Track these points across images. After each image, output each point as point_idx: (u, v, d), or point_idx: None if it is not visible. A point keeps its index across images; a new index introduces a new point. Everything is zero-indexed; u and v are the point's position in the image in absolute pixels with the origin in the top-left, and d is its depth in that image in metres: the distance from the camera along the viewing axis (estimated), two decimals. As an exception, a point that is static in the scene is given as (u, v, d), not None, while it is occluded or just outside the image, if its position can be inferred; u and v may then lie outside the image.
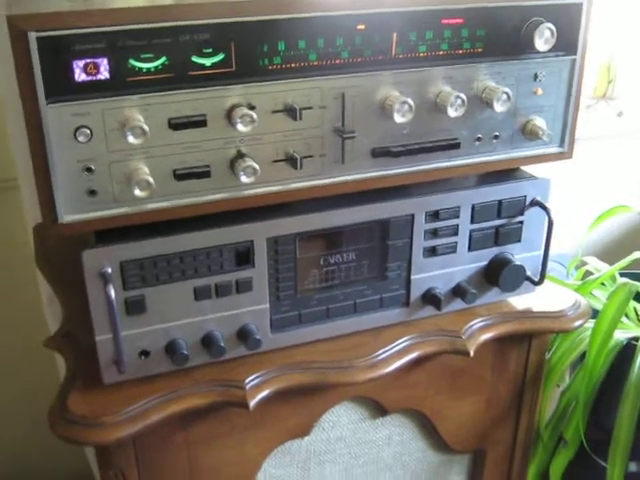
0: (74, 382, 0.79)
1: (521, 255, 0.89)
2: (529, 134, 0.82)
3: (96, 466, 1.41)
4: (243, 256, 0.75)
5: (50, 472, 1.49)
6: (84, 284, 0.73)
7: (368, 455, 0.94)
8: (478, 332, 0.88)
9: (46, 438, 1.42)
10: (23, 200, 1.20)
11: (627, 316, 1.14)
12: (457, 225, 0.85)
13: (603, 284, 1.16)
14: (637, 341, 1.05)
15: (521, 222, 0.88)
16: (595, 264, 1.21)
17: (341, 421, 0.90)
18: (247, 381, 0.78)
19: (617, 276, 1.17)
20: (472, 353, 0.86)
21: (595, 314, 1.00)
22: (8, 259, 1.33)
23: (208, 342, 0.77)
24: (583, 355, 1.06)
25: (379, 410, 0.91)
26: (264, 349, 0.80)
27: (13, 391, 1.42)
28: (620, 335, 1.05)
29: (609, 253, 1.38)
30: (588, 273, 1.21)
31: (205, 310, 0.76)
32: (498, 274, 0.87)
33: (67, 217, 0.67)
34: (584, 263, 1.24)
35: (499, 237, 0.87)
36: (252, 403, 0.77)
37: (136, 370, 0.77)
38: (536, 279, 0.90)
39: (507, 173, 0.88)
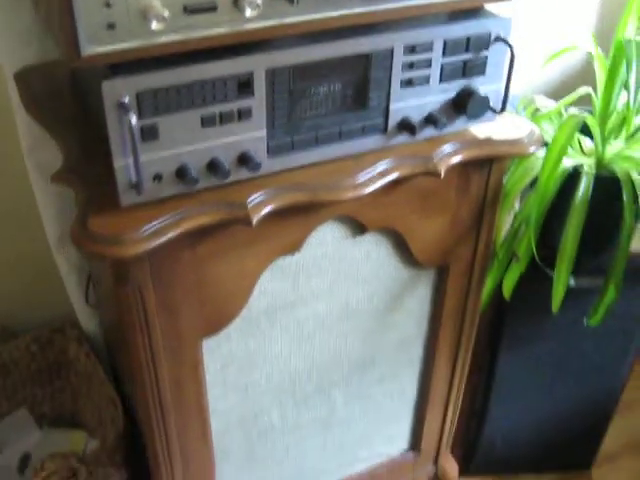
0: (90, 208, 0.89)
1: (485, 87, 1.01)
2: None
3: (86, 315, 1.53)
4: (244, 86, 0.85)
5: (35, 323, 1.60)
6: (97, 115, 0.82)
7: (348, 270, 1.08)
8: (447, 156, 1.00)
9: (33, 293, 1.54)
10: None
11: (571, 147, 1.28)
12: (430, 58, 0.95)
13: (550, 119, 1.29)
14: (581, 168, 1.19)
15: (486, 57, 0.99)
16: (543, 102, 1.34)
17: (326, 239, 1.03)
18: (249, 200, 0.90)
19: (563, 111, 1.30)
20: (443, 174, 0.99)
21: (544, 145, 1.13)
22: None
23: (214, 166, 0.88)
24: (533, 183, 1.21)
25: (359, 228, 1.04)
26: (262, 173, 0.91)
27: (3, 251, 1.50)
28: (566, 162, 1.19)
29: (557, 93, 1.50)
30: (537, 111, 1.33)
31: (210, 137, 0.86)
32: (466, 103, 0.99)
33: (88, 50, 0.75)
34: (532, 102, 1.36)
35: (466, 70, 0.98)
36: (255, 220, 0.89)
37: (150, 193, 0.87)
38: (498, 109, 1.02)
39: (474, 12, 0.98)
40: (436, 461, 1.46)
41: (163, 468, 1.12)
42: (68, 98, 1.15)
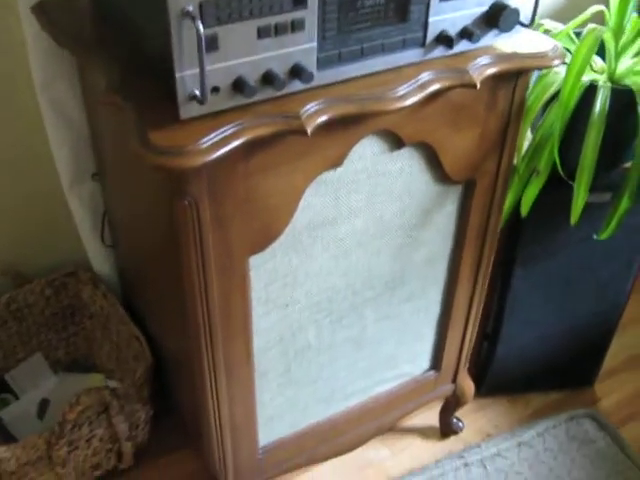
0: (147, 124, 0.91)
1: (515, 0, 1.06)
2: None
3: (100, 257, 1.54)
4: (297, -2, 0.88)
5: (48, 269, 1.62)
6: (141, 32, 0.85)
7: (384, 186, 1.13)
8: (481, 68, 1.05)
9: (45, 236, 1.55)
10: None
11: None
12: (464, -29, 1.00)
13: (561, 40, 1.35)
14: (596, 83, 1.25)
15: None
16: (552, 25, 1.39)
17: (366, 153, 1.07)
18: (303, 111, 0.93)
19: (572, 33, 1.36)
20: (478, 85, 1.04)
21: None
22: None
23: (269, 77, 0.91)
24: (551, 99, 1.27)
25: (396, 143, 1.08)
26: (312, 85, 0.95)
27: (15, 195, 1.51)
28: (583, 78, 1.24)
29: (564, 15, 1.55)
30: (547, 32, 1.38)
31: (266, 48, 0.89)
32: (498, 17, 1.04)
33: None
34: (540, 25, 1.42)
35: (499, -17, 1.03)
36: (309, 129, 0.93)
37: (209, 106, 0.90)
38: (527, 22, 1.07)
39: None
40: (454, 380, 1.53)
41: (208, 385, 1.16)
42: (90, 25, 1.16)
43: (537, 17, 1.37)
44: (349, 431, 1.44)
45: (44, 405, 1.62)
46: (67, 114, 1.39)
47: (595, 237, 1.35)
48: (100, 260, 1.59)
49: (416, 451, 1.62)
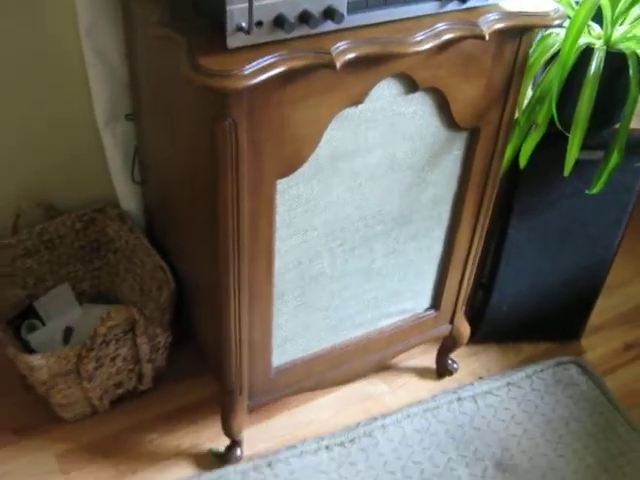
0: (197, 52, 1.06)
1: (522, -36, 1.21)
2: None
3: (128, 194, 1.69)
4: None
5: (79, 204, 1.77)
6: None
7: (398, 126, 1.28)
8: (490, 23, 1.20)
9: (76, 172, 1.70)
10: None
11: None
12: None
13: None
14: (593, 45, 1.41)
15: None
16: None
17: (384, 93, 1.22)
18: (334, 48, 1.09)
19: (572, 2, 1.51)
20: (487, 37, 1.19)
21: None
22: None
23: (305, 16, 1.07)
24: (552, 59, 1.42)
25: (412, 86, 1.24)
26: (342, 26, 1.10)
27: (49, 123, 1.66)
28: (580, 41, 1.40)
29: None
30: None
31: (304, -10, 1.05)
32: (507, -24, 1.19)
33: None
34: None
35: (509, -53, 1.19)
36: (338, 64, 1.08)
37: (253, 38, 1.05)
38: (531, -16, 1.23)
39: None
40: (452, 321, 1.69)
41: (232, 303, 1.32)
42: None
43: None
44: (355, 360, 1.60)
45: (68, 332, 1.77)
46: (108, 59, 1.54)
47: (587, 192, 1.51)
48: (128, 197, 1.75)
49: (413, 388, 1.78)
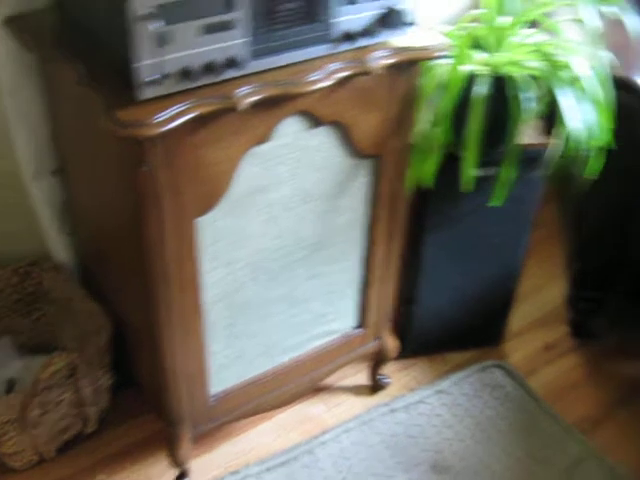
0: (113, 104, 1.17)
1: (401, 6, 1.36)
2: None
3: (60, 245, 1.77)
4: (230, 3, 1.16)
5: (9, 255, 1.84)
6: (106, 35, 1.12)
7: (306, 159, 1.40)
8: (378, 59, 1.34)
9: (8, 226, 1.77)
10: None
11: (470, 57, 1.63)
12: (363, -19, 1.29)
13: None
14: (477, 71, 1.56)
15: (401, -19, 1.34)
16: (444, 27, 1.70)
17: (289, 131, 1.35)
18: (235, 93, 1.21)
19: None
20: (376, 72, 1.33)
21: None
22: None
23: (210, 66, 1.19)
24: (442, 87, 1.57)
25: (315, 122, 1.36)
26: (244, 73, 1.23)
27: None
28: (467, 68, 1.54)
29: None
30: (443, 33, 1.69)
31: (207, 43, 1.17)
32: (389, 18, 1.34)
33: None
34: (434, 27, 1.72)
35: (388, -9, 1.33)
36: (240, 107, 1.20)
37: (161, 89, 1.16)
38: (410, 23, 1.37)
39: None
40: (379, 338, 1.81)
41: (165, 334, 1.41)
42: (58, 32, 1.42)
43: (439, 21, 1.69)
44: (289, 382, 1.70)
45: (11, 384, 1.83)
46: (31, 118, 1.64)
47: (487, 205, 1.65)
48: (61, 248, 1.83)
49: (349, 405, 1.89)
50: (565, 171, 1.65)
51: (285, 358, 1.67)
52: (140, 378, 1.74)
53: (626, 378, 2.03)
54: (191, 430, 1.59)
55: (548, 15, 1.64)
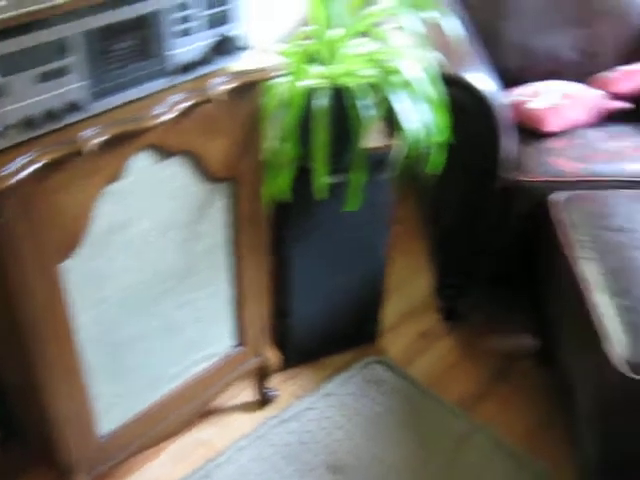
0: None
1: (234, 32, 1.41)
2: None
3: None
4: (61, 49, 1.18)
5: None
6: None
7: (162, 190, 1.43)
8: (217, 86, 1.39)
9: None
10: None
11: (308, 72, 1.70)
12: (189, 14, 1.33)
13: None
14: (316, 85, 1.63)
15: (229, 9, 1.39)
16: (280, 46, 1.77)
17: (141, 165, 1.37)
18: (80, 136, 1.23)
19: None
20: (219, 97, 1.38)
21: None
22: None
23: (51, 113, 1.20)
24: (285, 104, 1.63)
25: (165, 154, 1.40)
26: (87, 115, 1.25)
27: None
28: (307, 83, 1.61)
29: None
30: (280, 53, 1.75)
31: (47, 90, 1.18)
32: (224, 45, 1.39)
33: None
34: (270, 48, 1.78)
35: (219, 20, 1.38)
36: (85, 150, 1.22)
37: (6, 142, 1.17)
38: (245, 47, 1.43)
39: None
40: (259, 353, 1.85)
41: (43, 381, 1.41)
42: None
43: (273, 41, 1.75)
44: (178, 410, 1.72)
45: None
46: None
47: (344, 210, 1.73)
48: None
49: (240, 424, 1.92)
50: (411, 169, 1.75)
51: (170, 387, 1.68)
52: (26, 430, 1.71)
53: (498, 353, 2.16)
54: (87, 475, 1.58)
55: (376, 25, 1.73)
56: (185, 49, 1.35)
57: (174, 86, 1.36)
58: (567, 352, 1.81)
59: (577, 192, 1.90)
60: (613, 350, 1.49)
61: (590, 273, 1.66)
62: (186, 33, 1.34)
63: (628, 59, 2.32)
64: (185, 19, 1.33)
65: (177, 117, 1.34)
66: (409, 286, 2.34)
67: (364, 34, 1.75)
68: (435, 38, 1.77)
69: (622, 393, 1.50)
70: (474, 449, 1.86)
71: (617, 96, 2.21)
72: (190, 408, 1.75)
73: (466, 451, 1.85)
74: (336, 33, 1.69)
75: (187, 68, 1.36)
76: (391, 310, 2.22)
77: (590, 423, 1.63)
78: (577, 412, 1.72)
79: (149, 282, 1.51)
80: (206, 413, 1.92)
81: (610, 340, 1.51)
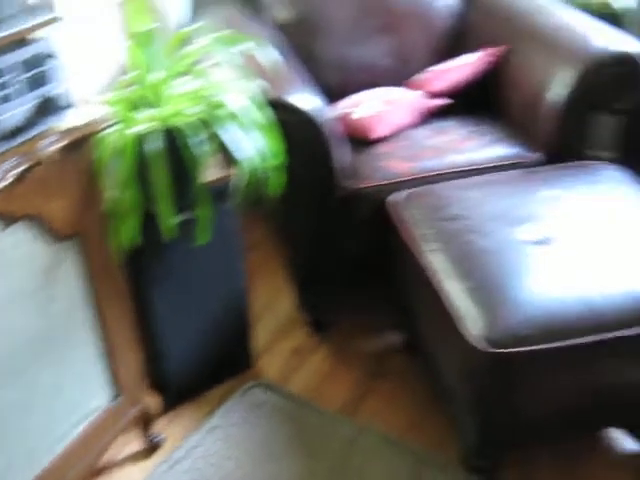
0: None
1: (55, 92, 1.42)
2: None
3: None
4: None
5: None
6: None
7: (6, 259, 1.42)
8: (48, 146, 1.41)
9: None
10: None
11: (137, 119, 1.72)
12: (7, 80, 1.34)
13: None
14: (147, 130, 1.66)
15: (46, 70, 1.41)
16: (103, 96, 1.78)
17: (-18, 238, 1.37)
18: None
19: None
20: (50, 158, 1.39)
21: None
22: None
23: None
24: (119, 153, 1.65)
25: (6, 221, 1.39)
26: None
27: None
28: (139, 128, 1.64)
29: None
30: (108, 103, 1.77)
31: None
32: (47, 106, 1.40)
33: None
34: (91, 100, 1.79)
35: (37, 82, 1.39)
36: None
37: None
38: (68, 105, 1.45)
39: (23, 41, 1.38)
40: (139, 401, 1.85)
41: None
42: None
43: (96, 93, 1.77)
44: (66, 475, 1.69)
45: None
46: None
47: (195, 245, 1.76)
48: None
49: (131, 476, 1.91)
50: (255, 195, 1.81)
51: (54, 454, 1.66)
52: None
53: (370, 353, 2.25)
54: None
55: (195, 63, 1.79)
56: (9, 114, 1.36)
57: (3, 153, 1.36)
58: (431, 341, 1.92)
59: (413, 190, 2.02)
60: (470, 330, 1.60)
61: (437, 263, 1.78)
62: (6, 99, 1.35)
63: (439, 59, 2.49)
64: (3, 85, 1.34)
65: (12, 183, 1.35)
66: (275, 306, 2.40)
67: (185, 73, 1.80)
68: (256, 68, 1.85)
69: (486, 368, 1.61)
70: (361, 449, 1.92)
71: (435, 94, 2.36)
72: (77, 471, 1.73)
73: (354, 452, 1.91)
74: (157, 76, 1.73)
75: (14, 133, 1.37)
76: (262, 332, 2.27)
77: (464, 404, 1.73)
78: (450, 395, 1.82)
79: (6, 352, 1.48)
80: (97, 471, 1.89)
81: (465, 322, 1.62)
